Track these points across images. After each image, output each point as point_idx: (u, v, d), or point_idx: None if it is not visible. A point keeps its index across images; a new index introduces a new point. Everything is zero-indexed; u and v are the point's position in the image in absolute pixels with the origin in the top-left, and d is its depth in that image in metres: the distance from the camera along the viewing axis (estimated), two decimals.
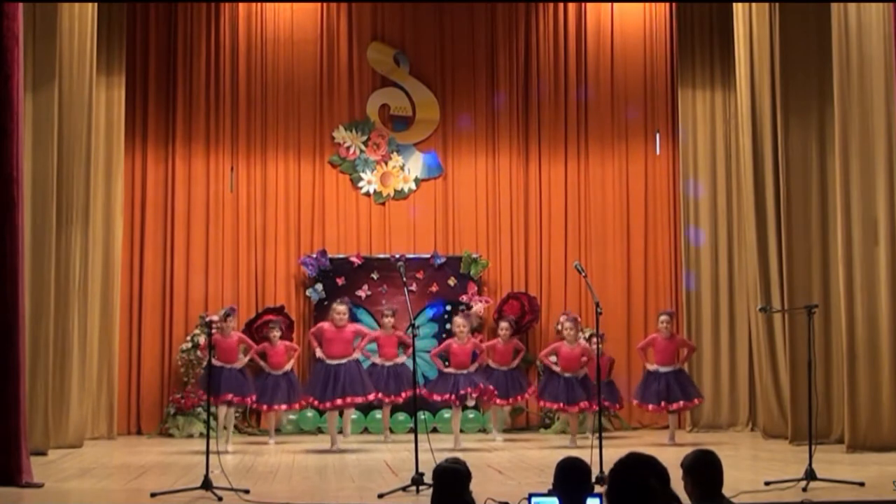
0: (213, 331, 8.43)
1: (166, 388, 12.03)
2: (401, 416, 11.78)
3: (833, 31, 9.64)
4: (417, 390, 10.79)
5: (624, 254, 12.78)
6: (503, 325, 11.00)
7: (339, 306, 10.38)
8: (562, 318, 11.17)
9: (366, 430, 11.65)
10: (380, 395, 10.66)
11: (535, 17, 12.94)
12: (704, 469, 4.41)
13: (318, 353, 10.26)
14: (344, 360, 10.19)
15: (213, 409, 10.25)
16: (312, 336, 10.47)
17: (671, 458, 4.01)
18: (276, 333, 10.89)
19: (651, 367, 10.70)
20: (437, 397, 10.55)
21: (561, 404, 10.60)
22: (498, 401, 10.72)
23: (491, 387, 10.47)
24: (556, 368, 10.68)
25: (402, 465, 8.57)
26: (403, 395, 10.77)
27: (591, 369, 10.51)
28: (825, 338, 9.98)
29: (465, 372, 10.48)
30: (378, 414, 11.65)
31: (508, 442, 10.95)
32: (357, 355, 10.38)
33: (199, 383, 10.48)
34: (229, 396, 10.20)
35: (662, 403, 10.57)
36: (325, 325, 10.39)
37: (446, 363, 10.71)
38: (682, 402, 10.63)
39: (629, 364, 12.34)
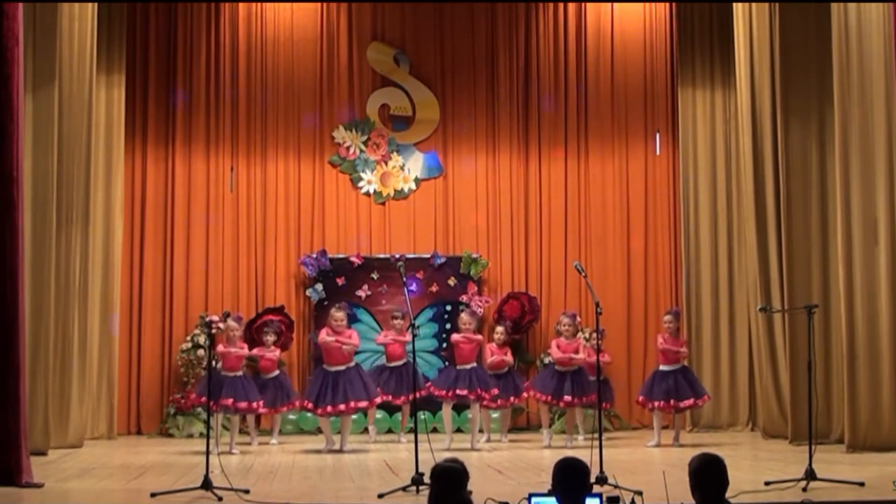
0: (213, 331, 8.42)
1: (166, 388, 12.03)
2: (400, 415, 11.77)
3: (833, 31, 9.65)
4: (427, 387, 10.93)
5: (624, 254, 12.77)
6: (498, 329, 11.08)
7: (338, 313, 10.35)
8: (561, 316, 11.15)
9: (365, 431, 11.63)
10: (389, 397, 10.81)
11: (535, 17, 12.94)
12: (709, 474, 4.42)
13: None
14: (343, 367, 10.18)
15: (222, 414, 10.33)
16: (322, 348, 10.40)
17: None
18: (270, 338, 10.92)
19: (663, 367, 10.61)
20: (434, 391, 10.56)
21: (548, 397, 10.61)
22: (491, 404, 10.70)
23: (481, 390, 10.38)
24: (556, 354, 10.68)
25: (402, 465, 8.57)
26: (403, 398, 10.85)
27: (586, 364, 10.52)
28: (825, 338, 9.98)
29: (468, 367, 10.43)
30: (379, 414, 11.62)
31: (509, 442, 10.94)
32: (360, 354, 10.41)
33: (201, 388, 10.36)
34: (241, 404, 10.20)
35: (672, 402, 10.44)
36: (325, 334, 10.27)
37: (445, 364, 10.69)
38: (692, 400, 10.52)
39: (629, 364, 12.36)
